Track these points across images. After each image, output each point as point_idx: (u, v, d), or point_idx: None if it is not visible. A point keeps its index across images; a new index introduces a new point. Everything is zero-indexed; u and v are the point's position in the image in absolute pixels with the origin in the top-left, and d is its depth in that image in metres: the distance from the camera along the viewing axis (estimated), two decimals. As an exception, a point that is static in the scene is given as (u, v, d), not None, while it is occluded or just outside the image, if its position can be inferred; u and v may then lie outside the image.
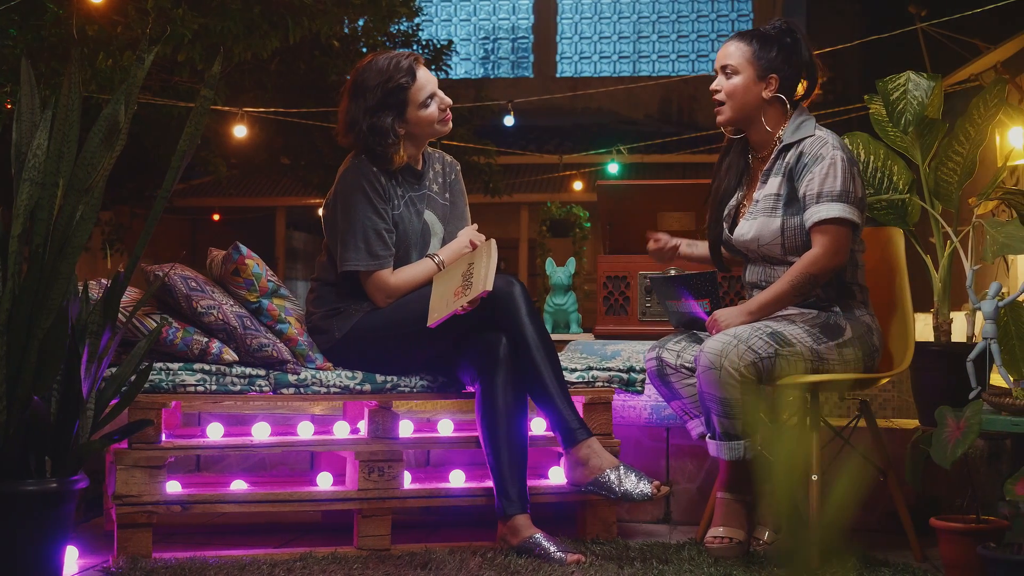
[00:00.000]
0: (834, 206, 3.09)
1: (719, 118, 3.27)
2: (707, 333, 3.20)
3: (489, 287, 3.07)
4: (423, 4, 16.80)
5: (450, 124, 3.39)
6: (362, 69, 3.34)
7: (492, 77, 17.08)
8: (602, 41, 17.41)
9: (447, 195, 3.48)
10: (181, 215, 15.43)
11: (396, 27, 10.11)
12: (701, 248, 3.47)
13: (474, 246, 3.36)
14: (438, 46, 10.99)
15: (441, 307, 3.16)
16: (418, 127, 3.34)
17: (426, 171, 3.45)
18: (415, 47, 10.83)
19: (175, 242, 15.41)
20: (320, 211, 3.45)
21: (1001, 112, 3.82)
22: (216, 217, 15.41)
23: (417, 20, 10.69)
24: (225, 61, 7.62)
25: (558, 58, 17.47)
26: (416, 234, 3.36)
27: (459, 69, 17.20)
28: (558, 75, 17.33)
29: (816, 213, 3.10)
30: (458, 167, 3.58)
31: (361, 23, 9.20)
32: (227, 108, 7.96)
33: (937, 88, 3.60)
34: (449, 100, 3.39)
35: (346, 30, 9.17)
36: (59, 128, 2.74)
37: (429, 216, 3.41)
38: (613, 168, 10.60)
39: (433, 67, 10.89)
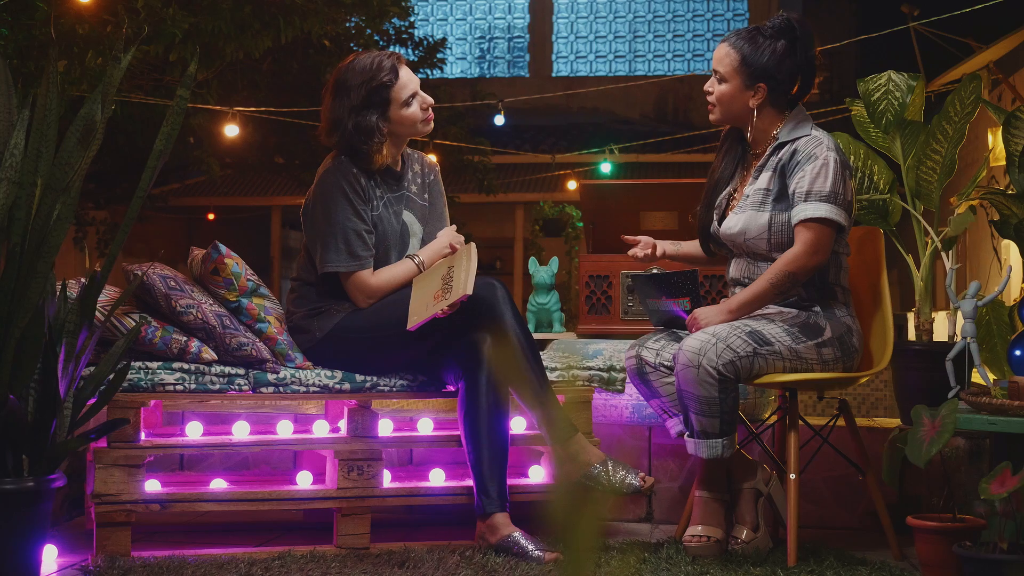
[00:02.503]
0: (821, 206, 3.10)
1: (711, 116, 3.29)
2: (687, 331, 3.21)
3: (469, 291, 3.08)
4: (418, 4, 16.82)
5: (431, 124, 3.40)
6: (344, 68, 3.34)
7: (488, 76, 17.07)
8: (598, 40, 17.40)
9: (426, 196, 3.50)
10: (177, 215, 15.42)
11: (388, 25, 10.10)
12: (686, 247, 3.47)
13: (454, 249, 3.37)
14: (431, 44, 10.98)
15: (421, 310, 3.18)
16: (400, 126, 3.34)
17: (405, 172, 3.46)
18: (409, 45, 10.82)
19: (171, 242, 15.40)
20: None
21: (990, 112, 3.83)
22: (211, 216, 15.40)
23: (412, 19, 10.68)
24: (217, 60, 7.62)
25: (554, 57, 17.45)
26: (395, 234, 3.37)
27: (455, 68, 17.19)
28: (554, 74, 17.31)
29: (803, 211, 3.11)
30: (437, 168, 3.59)
31: (353, 23, 9.19)
32: (219, 108, 7.96)
33: (918, 88, 3.60)
34: (431, 100, 3.40)
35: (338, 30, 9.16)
36: (37, 127, 2.75)
37: (408, 216, 3.42)
38: (606, 168, 10.60)
39: (426, 66, 10.88)
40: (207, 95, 7.99)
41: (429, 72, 11.16)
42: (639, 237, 3.46)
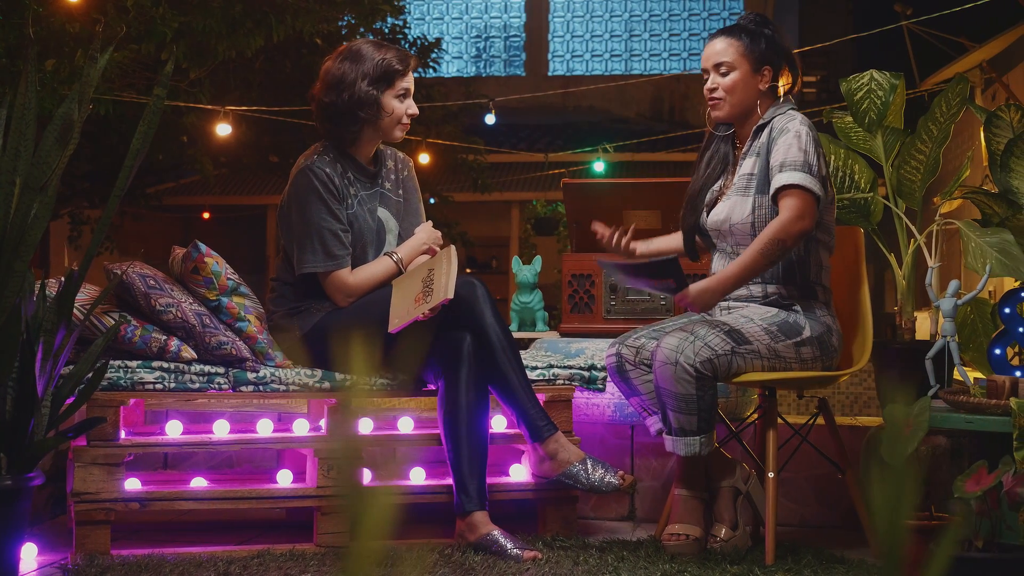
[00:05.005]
0: (795, 173, 3.08)
1: (717, 113, 3.23)
2: (667, 329, 3.21)
3: (450, 295, 3.09)
4: (414, 3, 16.81)
5: (404, 134, 3.44)
6: (364, 41, 3.43)
7: (484, 75, 17.07)
8: (594, 40, 17.41)
9: (400, 192, 3.51)
10: (173, 214, 15.43)
11: (382, 24, 10.10)
12: (657, 244, 3.45)
13: (433, 252, 3.37)
14: (426, 44, 10.98)
15: (402, 313, 3.18)
16: (385, 114, 3.35)
17: (379, 169, 3.47)
18: (403, 44, 10.83)
19: (168, 241, 15.38)
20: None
21: (974, 111, 3.84)
22: (206, 216, 15.41)
23: (406, 18, 10.69)
24: (209, 59, 7.62)
25: (550, 56, 17.47)
26: (371, 232, 3.38)
27: (451, 67, 17.19)
28: (550, 73, 17.32)
29: (779, 180, 3.10)
30: (411, 164, 3.60)
31: (346, 21, 9.20)
32: (211, 107, 7.96)
33: (900, 87, 3.61)
34: (416, 111, 3.43)
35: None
36: (16, 126, 2.75)
37: (383, 213, 3.43)
38: (599, 167, 10.61)
39: (420, 66, 10.87)
40: (199, 94, 7.99)
41: (423, 72, 11.15)
42: (601, 228, 3.39)
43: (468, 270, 15.16)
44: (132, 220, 13.31)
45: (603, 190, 3.99)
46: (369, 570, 0.93)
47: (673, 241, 3.45)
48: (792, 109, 3.22)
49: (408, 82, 3.39)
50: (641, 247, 3.42)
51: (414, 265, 3.36)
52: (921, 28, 9.52)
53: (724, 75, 3.20)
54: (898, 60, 10.40)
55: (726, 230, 3.21)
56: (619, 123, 15.96)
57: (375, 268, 3.34)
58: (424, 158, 9.58)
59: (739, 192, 3.19)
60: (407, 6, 10.36)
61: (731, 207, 3.19)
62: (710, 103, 3.24)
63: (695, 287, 3.10)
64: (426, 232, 3.42)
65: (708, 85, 3.23)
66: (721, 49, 3.21)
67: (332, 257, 3.28)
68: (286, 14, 7.61)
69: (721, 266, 3.26)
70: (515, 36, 17.55)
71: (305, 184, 3.30)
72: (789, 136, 3.12)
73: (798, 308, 3.19)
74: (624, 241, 3.37)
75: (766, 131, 3.19)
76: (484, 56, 17.61)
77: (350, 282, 3.30)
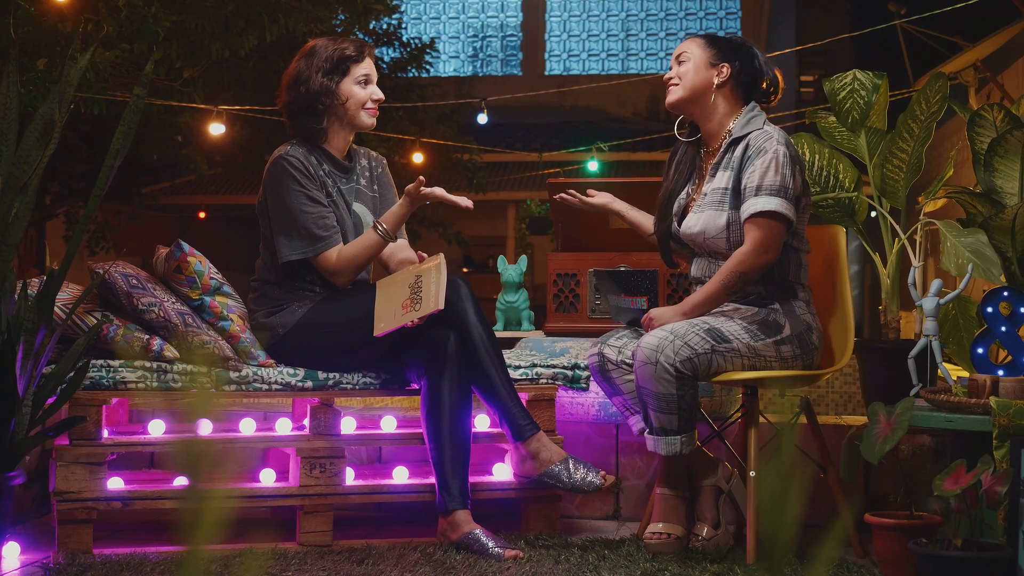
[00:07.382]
0: (771, 199, 3.10)
1: (669, 98, 3.29)
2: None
3: (441, 305, 3.10)
4: (411, 3, 16.81)
5: (374, 120, 3.45)
6: (321, 39, 3.48)
7: (481, 75, 17.06)
8: (590, 39, 17.40)
9: (375, 187, 3.54)
10: (170, 213, 15.42)
11: (376, 24, 10.09)
12: (641, 217, 3.48)
13: (421, 259, 3.37)
14: (420, 45, 10.97)
15: (388, 317, 3.19)
16: (348, 102, 3.38)
17: (353, 166, 3.49)
18: (397, 45, 10.81)
19: (165, 241, 15.36)
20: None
21: (957, 110, 3.84)
22: (202, 215, 15.40)
23: (401, 17, 10.69)
24: (203, 59, 7.62)
25: (547, 56, 17.46)
26: (349, 227, 3.39)
27: (447, 67, 17.18)
28: (547, 73, 17.31)
29: (753, 205, 3.11)
30: (384, 162, 3.63)
31: (339, 20, 9.19)
32: (205, 107, 7.95)
33: (883, 87, 3.61)
34: (382, 96, 3.45)
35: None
36: (-3, 126, 2.76)
37: (360, 208, 3.45)
38: (593, 166, 10.60)
39: (414, 66, 10.86)
40: (193, 94, 7.99)
41: (418, 73, 11.14)
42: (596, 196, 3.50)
43: (465, 269, 15.17)
44: (128, 220, 13.31)
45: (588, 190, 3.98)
46: (206, 572, 0.93)
47: (646, 220, 3.48)
48: (768, 124, 3.23)
49: (366, 68, 3.42)
50: (625, 207, 3.49)
51: (400, 271, 3.35)
52: (916, 28, 9.52)
53: (681, 64, 3.27)
54: (895, 60, 10.40)
55: (700, 242, 3.23)
56: (616, 122, 15.94)
57: (361, 242, 3.33)
58: (418, 158, 9.58)
59: (713, 206, 3.19)
60: (403, 6, 10.36)
61: (705, 221, 3.19)
62: (667, 91, 3.30)
63: (657, 312, 3.19)
64: (404, 198, 3.37)
65: (666, 75, 3.29)
66: (683, 46, 3.31)
67: (317, 239, 3.29)
68: (279, 13, 7.61)
69: (699, 271, 3.28)
70: (512, 36, 17.54)
71: (280, 172, 3.31)
72: (767, 157, 3.13)
73: (778, 306, 3.19)
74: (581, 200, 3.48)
75: (741, 146, 3.20)
76: (481, 56, 17.61)
77: (337, 261, 3.30)
